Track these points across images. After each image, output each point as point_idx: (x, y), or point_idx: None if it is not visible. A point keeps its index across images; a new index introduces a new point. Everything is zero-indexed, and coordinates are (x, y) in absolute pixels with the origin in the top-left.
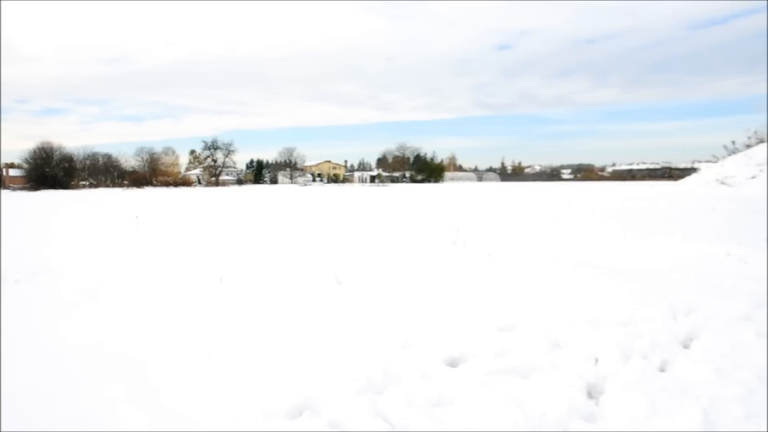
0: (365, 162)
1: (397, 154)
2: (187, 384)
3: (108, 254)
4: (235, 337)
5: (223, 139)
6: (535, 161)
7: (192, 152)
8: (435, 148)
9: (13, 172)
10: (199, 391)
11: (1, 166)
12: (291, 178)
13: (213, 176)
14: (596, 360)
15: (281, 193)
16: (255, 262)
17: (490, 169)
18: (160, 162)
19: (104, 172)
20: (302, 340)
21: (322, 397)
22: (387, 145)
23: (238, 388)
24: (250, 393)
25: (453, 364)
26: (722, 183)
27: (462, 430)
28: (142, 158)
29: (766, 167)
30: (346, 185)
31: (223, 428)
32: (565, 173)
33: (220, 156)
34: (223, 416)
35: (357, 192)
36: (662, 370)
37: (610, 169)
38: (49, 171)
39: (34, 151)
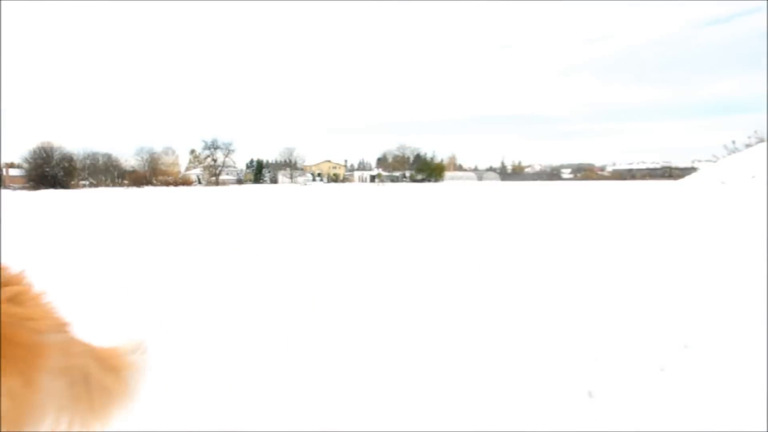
0: (365, 162)
1: (397, 153)
2: (187, 382)
3: (98, 253)
4: (234, 336)
5: (223, 139)
6: (535, 161)
7: (192, 152)
8: (435, 148)
9: (13, 172)
10: (198, 390)
11: (1, 165)
12: (291, 178)
13: (213, 176)
14: (596, 360)
15: (282, 192)
16: (254, 260)
17: (490, 169)
18: (160, 161)
19: (104, 172)
20: (300, 338)
21: (322, 397)
22: (387, 144)
23: (238, 388)
24: (250, 392)
25: (453, 362)
26: (722, 183)
27: (462, 430)
28: (142, 158)
29: (766, 167)
30: (346, 185)
31: (223, 428)
32: (565, 173)
33: (220, 155)
34: (222, 415)
35: (357, 191)
36: (662, 369)
37: (610, 169)
38: (49, 171)
39: (34, 151)
